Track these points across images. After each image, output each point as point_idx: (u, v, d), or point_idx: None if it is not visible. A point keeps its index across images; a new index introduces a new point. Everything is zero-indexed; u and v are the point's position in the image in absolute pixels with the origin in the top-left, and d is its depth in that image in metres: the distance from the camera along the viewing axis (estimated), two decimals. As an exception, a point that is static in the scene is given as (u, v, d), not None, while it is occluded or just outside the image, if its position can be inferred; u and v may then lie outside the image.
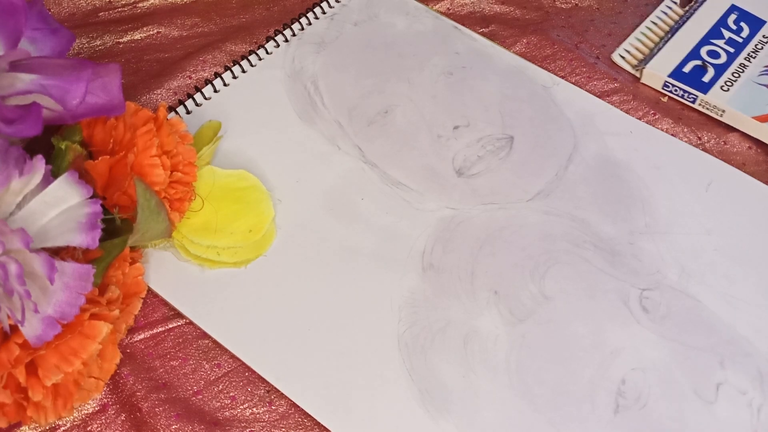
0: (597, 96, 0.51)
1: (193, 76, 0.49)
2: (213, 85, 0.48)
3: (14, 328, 0.30)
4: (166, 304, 0.39)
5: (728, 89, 0.49)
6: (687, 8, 0.54)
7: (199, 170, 0.42)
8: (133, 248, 0.38)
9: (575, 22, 0.56)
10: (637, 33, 0.54)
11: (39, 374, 0.30)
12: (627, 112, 0.50)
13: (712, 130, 0.50)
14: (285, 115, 0.47)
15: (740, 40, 0.53)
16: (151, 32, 0.52)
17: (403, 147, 0.46)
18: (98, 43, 0.51)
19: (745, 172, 0.47)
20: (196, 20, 0.53)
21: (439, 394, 0.36)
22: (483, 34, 0.54)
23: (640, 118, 0.50)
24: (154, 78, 0.49)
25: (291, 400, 0.36)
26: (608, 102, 0.50)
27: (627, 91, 0.51)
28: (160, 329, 0.38)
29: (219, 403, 0.36)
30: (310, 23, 0.52)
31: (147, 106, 0.47)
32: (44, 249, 0.30)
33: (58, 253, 0.32)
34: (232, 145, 0.45)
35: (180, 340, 0.38)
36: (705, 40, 0.52)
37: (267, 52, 0.50)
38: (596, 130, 0.48)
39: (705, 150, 0.48)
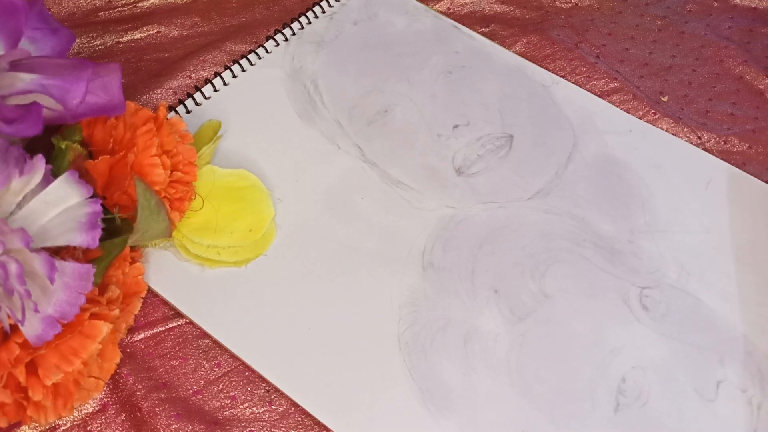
0: (597, 95, 0.51)
1: (193, 75, 0.49)
2: (213, 85, 0.48)
3: (14, 328, 0.30)
4: (166, 303, 0.39)
5: None
6: None
7: (199, 170, 0.42)
8: (133, 248, 0.38)
9: (575, 22, 0.56)
10: None
11: (39, 374, 0.30)
12: (627, 111, 0.50)
13: (712, 129, 0.50)
14: (285, 115, 0.47)
15: None
16: (151, 32, 0.52)
17: (402, 146, 0.46)
18: (98, 42, 0.51)
19: (744, 171, 0.47)
20: (196, 20, 0.53)
21: (440, 392, 0.36)
22: (483, 34, 0.54)
23: (640, 118, 0.50)
24: (154, 78, 0.49)
25: (291, 400, 0.36)
26: (608, 101, 0.50)
27: (627, 91, 0.51)
28: (160, 329, 0.38)
29: (219, 403, 0.36)
30: (309, 22, 0.52)
31: (147, 105, 0.47)
32: (44, 249, 0.30)
33: (58, 252, 0.32)
34: (232, 144, 0.45)
35: (180, 340, 0.38)
36: None
37: (267, 52, 0.50)
38: (596, 129, 0.48)
39: (705, 149, 0.48)
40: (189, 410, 0.36)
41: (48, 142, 0.35)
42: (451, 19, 0.54)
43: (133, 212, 0.34)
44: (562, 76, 0.51)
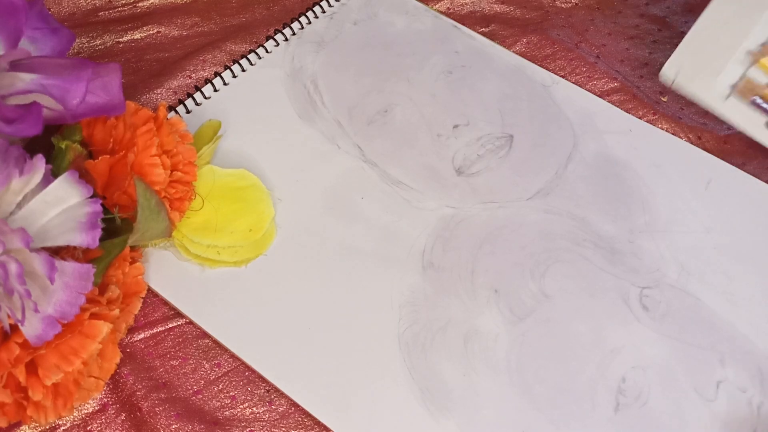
0: (597, 95, 0.51)
1: (193, 75, 0.49)
2: (213, 85, 0.48)
3: (14, 328, 0.30)
4: (166, 303, 0.39)
5: None
6: None
7: (199, 169, 0.42)
8: (133, 248, 0.38)
9: (575, 22, 0.56)
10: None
11: (39, 374, 0.30)
12: (627, 111, 0.50)
13: (712, 129, 0.50)
14: (285, 115, 0.47)
15: None
16: (151, 32, 0.52)
17: (402, 146, 0.46)
18: (98, 42, 0.51)
19: (744, 171, 0.47)
20: (196, 20, 0.53)
21: (440, 392, 0.36)
22: (483, 34, 0.54)
23: (640, 118, 0.50)
24: (154, 77, 0.49)
25: (291, 399, 0.36)
26: (608, 101, 0.50)
27: (627, 91, 0.51)
28: (160, 329, 0.38)
29: (219, 403, 0.36)
30: (309, 22, 0.52)
31: (147, 105, 0.47)
32: (44, 248, 0.30)
33: (58, 252, 0.32)
34: (232, 144, 0.45)
35: (180, 340, 0.38)
36: None
37: (267, 51, 0.50)
38: (596, 129, 0.48)
39: (705, 149, 0.48)
40: (189, 410, 0.36)
41: (48, 142, 0.35)
42: (451, 19, 0.54)
43: (133, 212, 0.34)
44: (562, 76, 0.51)
